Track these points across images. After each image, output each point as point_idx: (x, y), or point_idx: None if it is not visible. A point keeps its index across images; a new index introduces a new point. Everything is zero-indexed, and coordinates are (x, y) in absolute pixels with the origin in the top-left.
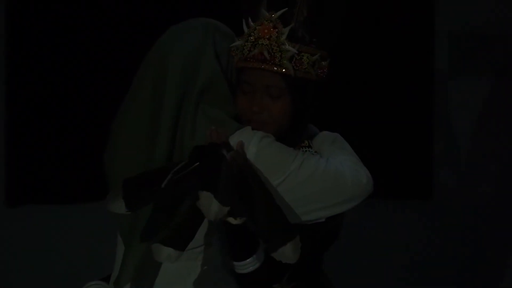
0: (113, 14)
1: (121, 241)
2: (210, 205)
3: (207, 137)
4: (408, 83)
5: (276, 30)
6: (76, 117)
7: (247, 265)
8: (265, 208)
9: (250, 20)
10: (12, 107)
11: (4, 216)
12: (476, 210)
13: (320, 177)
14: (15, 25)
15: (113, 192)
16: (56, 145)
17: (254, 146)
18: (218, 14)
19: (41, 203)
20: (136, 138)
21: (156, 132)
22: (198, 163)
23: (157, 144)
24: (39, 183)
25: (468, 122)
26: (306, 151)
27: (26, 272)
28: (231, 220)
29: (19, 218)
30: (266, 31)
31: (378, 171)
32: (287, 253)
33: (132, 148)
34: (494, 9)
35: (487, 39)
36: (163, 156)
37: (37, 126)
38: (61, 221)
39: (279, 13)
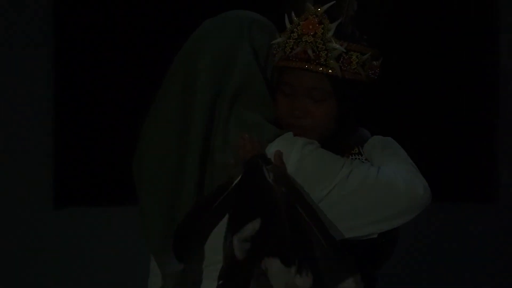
0: (158, 12)
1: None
2: (279, 275)
3: (240, 147)
4: (472, 80)
5: (322, 26)
6: (124, 120)
7: None
8: (318, 240)
9: (293, 14)
10: (60, 111)
11: (52, 218)
12: None
13: (371, 188)
14: (63, 33)
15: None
16: (104, 147)
17: (297, 153)
18: (258, 8)
19: (89, 205)
20: (166, 143)
21: (187, 137)
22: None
23: (188, 150)
24: (87, 185)
25: None
26: (355, 158)
27: (73, 274)
28: (299, 282)
29: (67, 219)
30: (310, 27)
31: (440, 173)
32: None
33: (162, 154)
34: None
35: None
36: (194, 165)
37: (85, 129)
38: (109, 223)
39: (325, 6)
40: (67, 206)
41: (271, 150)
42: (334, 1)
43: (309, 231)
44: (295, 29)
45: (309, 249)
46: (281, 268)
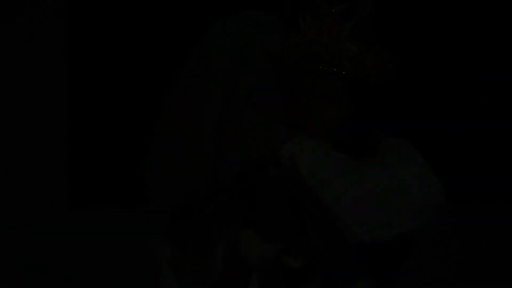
0: (170, 13)
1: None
2: (251, 246)
3: (252, 150)
4: (504, 81)
5: (336, 26)
6: (139, 121)
7: None
8: (326, 239)
9: (307, 15)
10: (75, 111)
11: (68, 219)
12: None
13: (384, 190)
14: (77, 32)
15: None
16: (119, 148)
17: (309, 155)
18: (271, 8)
19: (104, 206)
20: (177, 144)
21: (198, 138)
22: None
23: (200, 151)
24: (102, 186)
25: None
26: (368, 161)
27: (88, 274)
28: (290, 262)
29: (82, 220)
30: (325, 27)
31: (456, 176)
32: None
33: (173, 155)
34: None
35: None
36: (205, 166)
37: (100, 130)
38: (125, 224)
39: (340, 7)
40: (83, 207)
41: (283, 152)
42: (349, 2)
43: (316, 231)
44: (309, 30)
45: (307, 240)
46: (256, 241)
